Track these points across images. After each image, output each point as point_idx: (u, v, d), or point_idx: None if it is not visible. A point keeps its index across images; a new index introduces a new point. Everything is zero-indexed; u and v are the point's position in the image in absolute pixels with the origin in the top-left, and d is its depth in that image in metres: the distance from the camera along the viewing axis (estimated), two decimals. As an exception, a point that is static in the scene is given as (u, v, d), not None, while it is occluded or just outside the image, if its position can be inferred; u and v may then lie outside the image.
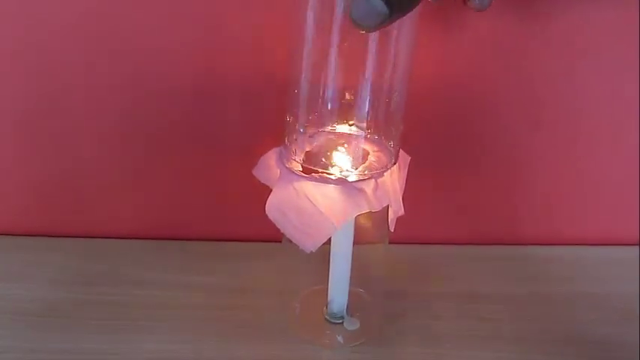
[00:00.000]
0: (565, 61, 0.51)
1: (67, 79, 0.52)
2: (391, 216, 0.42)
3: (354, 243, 0.45)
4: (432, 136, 0.54)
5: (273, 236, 0.47)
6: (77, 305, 0.50)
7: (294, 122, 0.42)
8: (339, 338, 0.47)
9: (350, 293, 0.48)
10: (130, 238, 0.59)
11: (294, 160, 0.42)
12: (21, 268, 0.54)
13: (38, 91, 0.53)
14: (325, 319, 0.49)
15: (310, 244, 0.40)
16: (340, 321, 0.48)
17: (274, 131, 0.44)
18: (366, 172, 0.41)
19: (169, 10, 0.49)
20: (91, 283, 0.53)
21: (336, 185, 0.40)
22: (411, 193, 0.45)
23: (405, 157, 0.44)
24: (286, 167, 0.41)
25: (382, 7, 0.32)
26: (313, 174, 0.40)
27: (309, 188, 0.40)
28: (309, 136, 0.42)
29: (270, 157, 0.44)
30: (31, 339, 0.46)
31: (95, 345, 0.46)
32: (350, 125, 0.41)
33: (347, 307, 0.48)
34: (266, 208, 0.40)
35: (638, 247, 0.58)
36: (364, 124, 0.41)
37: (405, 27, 0.38)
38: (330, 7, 0.37)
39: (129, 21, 0.50)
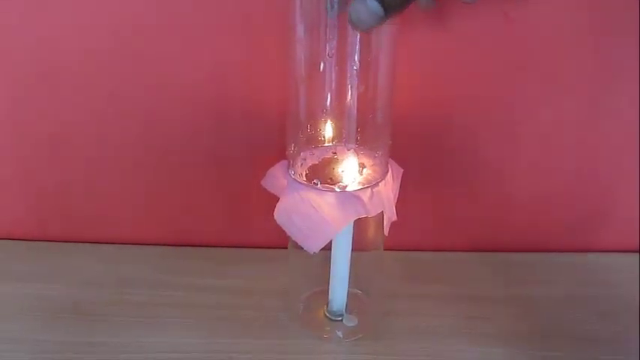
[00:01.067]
0: (543, 80, 0.55)
1: (93, 108, 0.57)
2: (385, 221, 0.47)
3: (352, 250, 0.49)
4: (423, 152, 0.58)
5: (279, 243, 0.52)
6: (103, 304, 0.54)
7: (296, 148, 0.47)
8: (339, 333, 0.51)
9: (349, 294, 0.51)
10: (151, 245, 0.62)
11: (299, 172, 0.46)
12: (53, 270, 0.58)
13: (66, 111, 0.57)
14: (326, 316, 0.52)
15: (314, 245, 0.44)
16: (340, 318, 0.52)
17: (278, 146, 0.49)
18: (363, 183, 0.45)
19: (186, 42, 0.54)
20: (116, 285, 0.56)
21: (336, 194, 0.44)
22: (403, 204, 0.49)
23: (398, 170, 0.49)
24: (292, 178, 0.46)
25: (378, 9, 0.37)
26: (316, 184, 0.45)
27: (313, 196, 0.44)
28: (311, 154, 0.47)
29: (277, 170, 0.48)
30: (62, 334, 0.50)
31: (120, 339, 0.50)
32: (346, 143, 0.46)
33: (346, 305, 0.52)
34: (274, 214, 0.45)
35: (620, 253, 0.62)
36: (358, 142, 0.46)
37: (385, 56, 0.44)
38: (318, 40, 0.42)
39: (148, 50, 0.55)
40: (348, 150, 0.46)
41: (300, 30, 0.43)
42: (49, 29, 0.54)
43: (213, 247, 0.62)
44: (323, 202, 0.44)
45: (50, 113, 0.58)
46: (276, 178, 0.48)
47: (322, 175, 0.46)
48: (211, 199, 0.61)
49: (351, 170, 0.46)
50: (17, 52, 0.55)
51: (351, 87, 0.44)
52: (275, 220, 0.46)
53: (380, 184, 0.46)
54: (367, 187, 0.45)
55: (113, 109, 0.57)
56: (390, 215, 0.47)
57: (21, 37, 0.55)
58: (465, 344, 0.50)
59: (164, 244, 0.63)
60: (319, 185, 0.45)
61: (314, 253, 0.44)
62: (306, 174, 0.46)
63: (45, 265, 0.59)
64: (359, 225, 0.48)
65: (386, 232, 0.47)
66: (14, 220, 0.63)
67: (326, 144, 0.47)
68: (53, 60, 0.55)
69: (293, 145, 0.47)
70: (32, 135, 0.59)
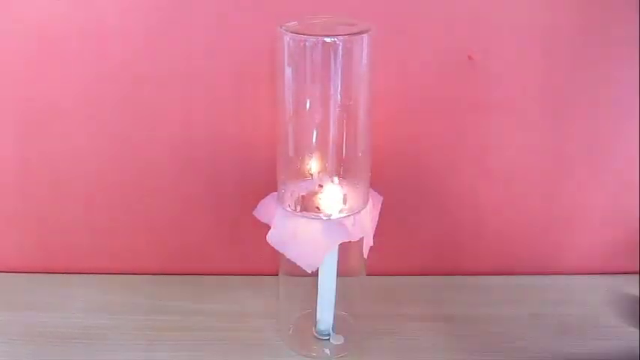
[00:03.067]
0: (509, 116, 0.60)
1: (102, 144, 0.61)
2: (364, 246, 0.51)
3: (338, 275, 0.53)
4: (401, 182, 0.62)
5: (271, 271, 0.56)
6: (104, 329, 0.57)
7: (286, 181, 0.51)
8: (327, 351, 0.55)
9: (335, 316, 0.55)
10: (149, 274, 0.65)
11: (288, 203, 0.51)
12: (55, 300, 0.61)
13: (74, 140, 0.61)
14: (314, 336, 0.56)
15: (311, 264, 0.48)
16: (327, 337, 0.55)
17: (268, 180, 0.53)
18: (346, 211, 0.50)
19: (182, 87, 0.59)
20: (116, 312, 0.60)
21: (323, 221, 0.49)
22: (383, 232, 0.53)
23: (377, 198, 0.53)
24: (282, 208, 0.50)
25: None
26: (305, 212, 0.50)
27: (303, 223, 0.49)
28: (299, 186, 0.51)
29: (268, 201, 0.53)
30: (65, 356, 0.54)
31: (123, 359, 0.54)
32: (330, 176, 0.51)
33: (333, 325, 0.55)
34: (267, 237, 0.49)
35: (574, 275, 0.67)
36: (341, 174, 0.50)
37: (364, 96, 0.49)
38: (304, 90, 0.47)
39: (146, 95, 0.59)
40: (333, 182, 0.51)
41: (287, 73, 0.47)
42: (54, 76, 0.58)
43: (208, 275, 0.66)
44: (312, 228, 0.49)
45: (53, 154, 0.61)
46: (267, 208, 0.53)
47: (310, 205, 0.50)
48: (206, 230, 0.65)
49: (335, 200, 0.50)
50: (23, 96, 0.59)
51: (334, 126, 0.48)
52: (266, 249, 0.50)
53: (361, 212, 0.50)
54: (350, 215, 0.50)
55: (113, 149, 0.61)
56: (368, 241, 0.51)
57: (27, 82, 0.59)
58: (440, 357, 0.55)
59: (161, 274, 0.66)
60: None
61: (311, 271, 0.48)
62: (295, 204, 0.51)
63: (49, 295, 0.62)
64: (343, 252, 0.52)
65: (365, 255, 0.52)
66: (20, 254, 0.66)
67: (312, 177, 0.51)
68: (56, 104, 0.59)
69: (283, 178, 0.51)
70: (36, 175, 0.62)
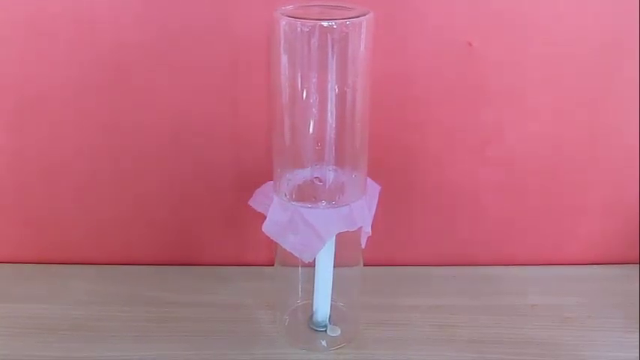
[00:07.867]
0: (509, 104, 0.60)
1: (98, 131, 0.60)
2: (362, 235, 0.51)
3: (335, 266, 0.52)
4: (399, 170, 0.62)
5: (267, 261, 0.56)
6: (100, 321, 0.57)
7: (282, 170, 0.50)
8: (323, 343, 0.54)
9: (332, 307, 0.54)
10: (144, 265, 0.65)
11: (284, 192, 0.50)
12: (50, 291, 0.61)
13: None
14: (310, 328, 0.55)
15: (305, 255, 0.47)
16: (324, 329, 0.55)
17: (264, 169, 0.52)
18: (344, 200, 0.49)
19: (177, 74, 0.58)
20: (111, 303, 0.59)
21: (320, 210, 0.48)
22: (381, 222, 0.53)
23: (375, 187, 0.52)
24: (279, 197, 0.49)
25: None
26: (301, 202, 0.49)
27: (300, 212, 0.48)
28: (296, 174, 0.50)
29: (264, 190, 0.52)
30: (61, 349, 0.53)
31: (116, 352, 0.53)
32: (327, 164, 0.50)
33: (329, 317, 0.55)
34: (263, 227, 0.48)
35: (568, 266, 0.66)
36: (338, 163, 0.49)
37: (361, 84, 0.47)
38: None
39: (141, 81, 0.58)
40: (330, 171, 0.50)
41: (283, 58, 0.46)
42: (45, 64, 0.57)
43: (204, 265, 0.65)
44: (308, 217, 0.48)
45: (45, 143, 0.61)
46: (263, 197, 0.52)
47: (306, 194, 0.49)
48: (201, 220, 0.64)
49: (332, 189, 0.50)
50: (15, 86, 0.58)
51: (331, 113, 0.47)
52: (262, 239, 0.49)
53: (359, 201, 0.49)
54: (347, 204, 0.49)
55: (105, 138, 0.60)
56: (367, 230, 0.51)
57: (18, 71, 0.58)
58: (440, 350, 0.54)
59: (156, 264, 0.65)
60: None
61: (308, 262, 0.48)
62: (292, 193, 0.50)
63: (42, 286, 0.62)
64: (340, 242, 0.51)
65: (363, 244, 0.51)
66: (12, 245, 0.65)
67: (309, 165, 0.50)
68: (49, 94, 0.59)
69: (279, 167, 0.50)
70: (30, 165, 0.62)
